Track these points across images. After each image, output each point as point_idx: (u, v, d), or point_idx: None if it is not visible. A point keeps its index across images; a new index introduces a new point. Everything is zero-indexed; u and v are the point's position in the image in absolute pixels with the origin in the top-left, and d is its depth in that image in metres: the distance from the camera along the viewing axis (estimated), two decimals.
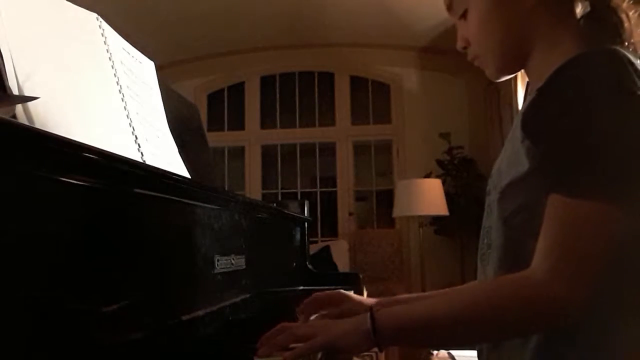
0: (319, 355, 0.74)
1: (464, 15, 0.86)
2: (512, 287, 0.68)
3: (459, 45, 0.89)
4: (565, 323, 0.66)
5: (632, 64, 0.66)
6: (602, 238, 0.63)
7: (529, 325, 0.68)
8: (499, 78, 0.89)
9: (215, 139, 4.29)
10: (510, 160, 0.76)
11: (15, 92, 0.66)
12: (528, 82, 0.91)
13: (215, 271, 0.92)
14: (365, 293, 1.68)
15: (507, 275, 0.71)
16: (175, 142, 1.07)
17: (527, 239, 0.70)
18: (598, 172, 0.64)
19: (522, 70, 0.87)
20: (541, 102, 0.72)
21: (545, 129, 0.69)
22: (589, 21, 0.79)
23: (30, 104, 0.66)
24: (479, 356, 0.84)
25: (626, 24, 0.76)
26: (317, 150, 4.76)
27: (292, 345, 0.74)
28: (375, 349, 0.72)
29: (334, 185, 4.68)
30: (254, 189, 4.65)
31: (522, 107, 0.80)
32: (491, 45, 0.84)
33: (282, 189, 4.80)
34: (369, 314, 0.71)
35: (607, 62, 0.67)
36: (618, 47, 0.70)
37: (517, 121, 0.76)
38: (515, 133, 0.76)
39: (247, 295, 1.08)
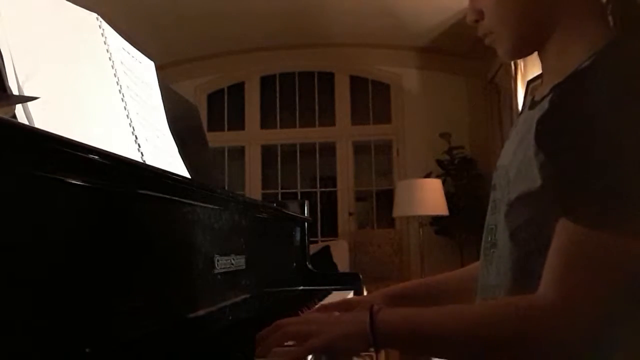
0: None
1: None
2: (518, 313, 0.65)
3: (470, 18, 0.81)
4: (568, 350, 0.64)
5: None
6: (612, 270, 0.61)
7: (531, 353, 0.66)
8: (512, 58, 0.82)
9: (215, 139, 4.29)
10: (521, 170, 0.71)
11: (15, 92, 0.66)
12: (529, 80, 0.88)
13: (215, 271, 0.92)
14: (365, 293, 1.68)
15: (513, 299, 0.69)
16: (175, 142, 1.07)
17: (535, 254, 0.68)
18: (609, 200, 0.60)
19: (523, 69, 0.84)
20: (556, 115, 0.66)
21: (561, 147, 0.64)
22: (614, 4, 0.72)
23: (30, 104, 0.66)
24: None
25: None
26: (317, 150, 4.76)
27: (287, 344, 0.72)
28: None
29: (334, 185, 4.68)
30: (254, 189, 4.65)
31: (535, 105, 0.75)
32: (511, 19, 0.77)
33: (282, 189, 4.80)
34: (368, 317, 0.69)
35: (631, 70, 0.63)
36: None
37: (529, 123, 0.71)
38: (526, 138, 0.70)
39: (247, 295, 1.08)
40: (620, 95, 0.61)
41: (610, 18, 0.72)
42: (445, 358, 0.74)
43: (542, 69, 0.81)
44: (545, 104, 0.70)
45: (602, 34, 0.70)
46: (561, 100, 0.67)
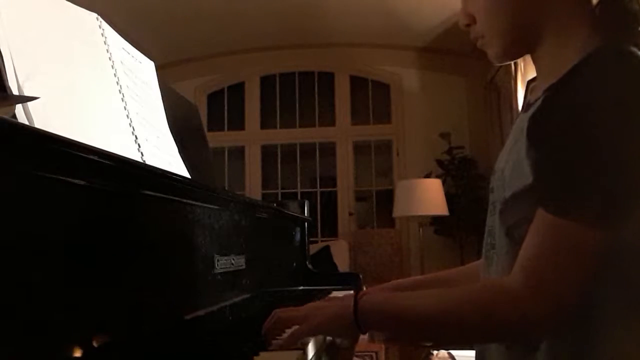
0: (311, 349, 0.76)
1: None
2: (487, 294, 0.69)
3: (462, 22, 0.83)
4: (532, 335, 0.67)
5: None
6: (581, 260, 0.63)
7: (497, 334, 0.70)
8: (503, 61, 0.84)
9: (215, 139, 4.29)
10: (515, 169, 0.73)
11: (15, 92, 0.66)
12: (529, 80, 0.88)
13: (215, 271, 0.92)
14: None
15: (487, 281, 0.72)
16: (175, 142, 1.07)
17: None
18: (588, 195, 0.62)
19: (523, 69, 0.84)
20: (547, 112, 0.69)
21: (547, 142, 0.67)
22: (605, 7, 0.74)
23: (30, 104, 0.66)
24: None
25: None
26: (317, 150, 4.75)
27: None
28: (376, 350, 0.73)
29: (334, 185, 4.68)
30: (254, 189, 4.65)
31: (529, 107, 0.77)
32: (501, 24, 0.78)
33: (282, 189, 4.80)
34: (353, 301, 0.73)
35: (617, 71, 0.64)
36: (634, 44, 0.67)
37: (523, 124, 0.72)
38: (520, 139, 0.72)
39: (247, 295, 1.08)
40: (608, 96, 0.63)
41: (600, 20, 0.73)
42: (423, 340, 0.76)
43: (536, 72, 0.83)
44: (538, 103, 0.72)
45: (592, 36, 0.71)
46: (552, 99, 0.69)
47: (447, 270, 1.04)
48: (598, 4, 0.74)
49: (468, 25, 0.82)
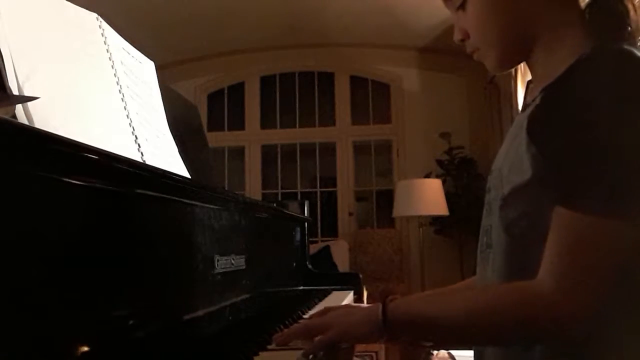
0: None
1: (462, 6, 0.82)
2: (518, 297, 0.67)
3: (457, 37, 0.85)
4: (569, 337, 0.66)
5: None
6: (609, 254, 0.62)
7: (531, 336, 0.68)
8: (500, 71, 0.86)
9: (215, 139, 4.29)
10: (513, 165, 0.73)
11: (15, 92, 0.66)
12: (529, 80, 0.89)
13: (215, 271, 0.92)
14: (365, 293, 1.69)
15: (514, 284, 0.70)
16: (175, 142, 1.07)
17: (530, 247, 0.69)
18: (605, 186, 0.62)
19: (523, 69, 0.85)
20: (548, 108, 0.69)
21: (551, 137, 0.67)
22: (593, 10, 0.75)
23: (30, 104, 0.66)
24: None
25: (632, 13, 0.73)
26: (317, 150, 4.76)
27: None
28: (376, 350, 0.73)
29: (334, 185, 4.68)
30: (254, 189, 4.65)
31: (526, 107, 0.78)
32: (493, 38, 0.80)
33: (282, 189, 4.80)
34: (381, 307, 0.72)
35: (616, 65, 0.65)
36: (627, 44, 0.68)
37: (521, 122, 0.73)
38: (518, 135, 0.73)
39: (247, 295, 1.08)
40: (610, 90, 0.64)
41: (590, 23, 0.75)
42: (456, 344, 0.75)
43: (532, 76, 0.84)
44: (536, 102, 0.73)
45: (584, 38, 0.73)
46: (551, 95, 0.70)
47: (449, 286, 1.03)
48: (587, 7, 0.76)
49: (462, 40, 0.84)
